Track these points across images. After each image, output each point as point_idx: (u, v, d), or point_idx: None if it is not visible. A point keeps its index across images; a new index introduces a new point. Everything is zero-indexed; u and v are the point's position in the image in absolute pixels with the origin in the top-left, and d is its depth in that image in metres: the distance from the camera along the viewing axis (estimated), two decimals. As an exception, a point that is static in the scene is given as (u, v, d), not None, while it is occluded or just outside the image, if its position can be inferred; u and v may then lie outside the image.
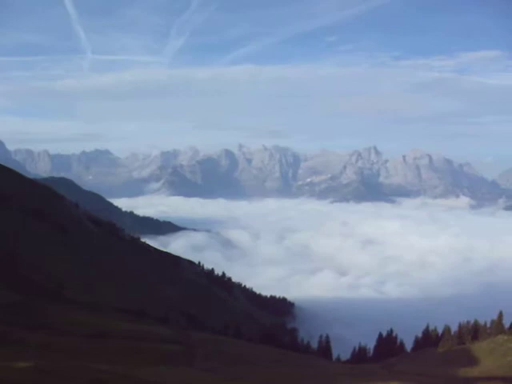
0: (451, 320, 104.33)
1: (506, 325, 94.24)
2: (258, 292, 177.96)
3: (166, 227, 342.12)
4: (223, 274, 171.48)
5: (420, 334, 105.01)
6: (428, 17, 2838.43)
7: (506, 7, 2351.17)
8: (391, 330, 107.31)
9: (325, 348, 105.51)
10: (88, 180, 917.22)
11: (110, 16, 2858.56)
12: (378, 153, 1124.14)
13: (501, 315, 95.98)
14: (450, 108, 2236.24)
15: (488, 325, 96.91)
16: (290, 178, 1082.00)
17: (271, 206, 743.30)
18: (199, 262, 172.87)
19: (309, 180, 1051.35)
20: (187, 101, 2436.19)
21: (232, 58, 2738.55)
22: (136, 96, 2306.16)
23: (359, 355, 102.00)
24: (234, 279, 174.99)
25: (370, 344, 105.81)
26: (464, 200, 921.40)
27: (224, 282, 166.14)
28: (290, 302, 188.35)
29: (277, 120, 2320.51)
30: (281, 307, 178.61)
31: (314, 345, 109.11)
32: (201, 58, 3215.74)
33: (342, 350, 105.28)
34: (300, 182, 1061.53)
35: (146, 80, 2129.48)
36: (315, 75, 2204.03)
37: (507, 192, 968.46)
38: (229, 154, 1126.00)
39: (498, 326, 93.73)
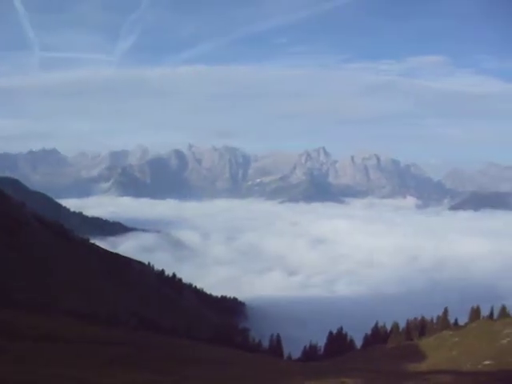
0: (399, 317, 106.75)
1: (451, 320, 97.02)
2: (208, 292, 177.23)
3: (115, 228, 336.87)
4: (173, 274, 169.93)
5: (369, 332, 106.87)
6: (377, 21, 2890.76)
7: (451, 14, 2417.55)
8: (341, 328, 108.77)
9: (276, 347, 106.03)
10: (35, 180, 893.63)
11: (59, 12, 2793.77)
12: (326, 153, 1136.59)
13: (446, 311, 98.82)
14: (397, 110, 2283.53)
15: (434, 321, 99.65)
16: (239, 178, 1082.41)
17: (221, 206, 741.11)
18: (149, 263, 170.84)
19: (258, 180, 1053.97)
20: (137, 100, 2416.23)
21: (182, 57, 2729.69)
22: (85, 94, 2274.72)
23: (310, 353, 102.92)
24: (185, 280, 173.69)
25: (321, 342, 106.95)
26: (411, 200, 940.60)
27: (174, 283, 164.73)
28: (240, 302, 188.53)
29: (227, 120, 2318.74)
30: (232, 307, 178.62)
31: (266, 344, 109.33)
32: (151, 58, 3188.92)
33: (293, 349, 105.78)
34: (250, 183, 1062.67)
35: (96, 78, 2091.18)
36: (265, 76, 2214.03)
37: (452, 192, 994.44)
38: (178, 154, 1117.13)
39: (443, 322, 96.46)
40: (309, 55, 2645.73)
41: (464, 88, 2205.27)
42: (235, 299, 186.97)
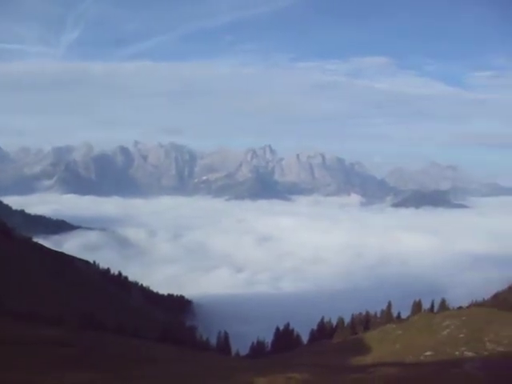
0: (344, 312, 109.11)
1: (395, 314, 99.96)
2: (155, 290, 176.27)
3: (59, 226, 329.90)
4: (119, 273, 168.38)
5: (315, 327, 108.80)
6: (323, 21, 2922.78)
7: (395, 17, 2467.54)
8: (288, 324, 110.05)
9: (224, 344, 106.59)
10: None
11: (3, 3, 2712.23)
12: (272, 151, 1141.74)
13: (389, 306, 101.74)
14: (342, 109, 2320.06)
15: (378, 315, 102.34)
16: (186, 175, 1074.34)
17: (167, 203, 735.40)
18: (94, 262, 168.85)
19: (205, 178, 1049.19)
20: (82, 95, 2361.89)
21: (129, 53, 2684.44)
22: (28, 88, 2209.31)
23: (258, 350, 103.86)
24: (131, 278, 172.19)
25: (268, 338, 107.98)
26: (355, 197, 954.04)
27: (120, 282, 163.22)
28: (187, 300, 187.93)
29: (173, 117, 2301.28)
30: (179, 305, 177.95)
31: (213, 341, 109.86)
32: (97, 52, 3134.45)
33: (240, 346, 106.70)
34: (196, 180, 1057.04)
35: (39, 72, 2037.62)
36: (212, 73, 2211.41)
37: (394, 190, 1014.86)
38: (124, 150, 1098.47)
39: (387, 316, 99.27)
40: (256, 53, 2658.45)
41: (407, 89, 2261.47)
42: (182, 297, 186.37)
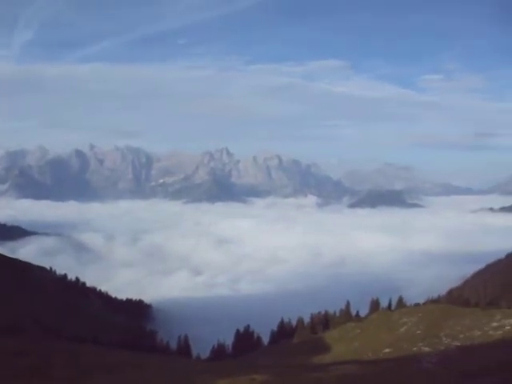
0: (304, 312, 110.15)
1: (353, 313, 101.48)
2: (114, 295, 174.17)
3: (14, 232, 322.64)
4: (77, 278, 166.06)
5: (276, 328, 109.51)
6: (278, 25, 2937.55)
7: (350, 21, 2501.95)
8: (248, 326, 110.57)
9: (184, 348, 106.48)
10: None
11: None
12: (229, 153, 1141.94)
13: (348, 305, 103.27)
14: (298, 112, 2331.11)
15: (337, 314, 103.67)
16: (142, 178, 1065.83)
17: (124, 207, 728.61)
18: (51, 268, 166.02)
19: (162, 181, 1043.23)
20: (35, 98, 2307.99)
21: (82, 55, 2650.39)
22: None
23: (218, 352, 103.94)
24: (89, 283, 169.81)
25: (229, 341, 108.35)
26: (312, 199, 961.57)
27: (78, 287, 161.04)
28: (147, 304, 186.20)
29: (129, 120, 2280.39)
30: (138, 310, 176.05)
31: (174, 345, 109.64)
32: (50, 54, 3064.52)
33: (201, 349, 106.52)
34: (153, 183, 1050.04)
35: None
36: (168, 76, 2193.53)
37: (350, 191, 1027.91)
38: (80, 154, 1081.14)
39: (346, 315, 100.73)
40: (211, 56, 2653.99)
41: (361, 92, 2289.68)
42: (141, 301, 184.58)
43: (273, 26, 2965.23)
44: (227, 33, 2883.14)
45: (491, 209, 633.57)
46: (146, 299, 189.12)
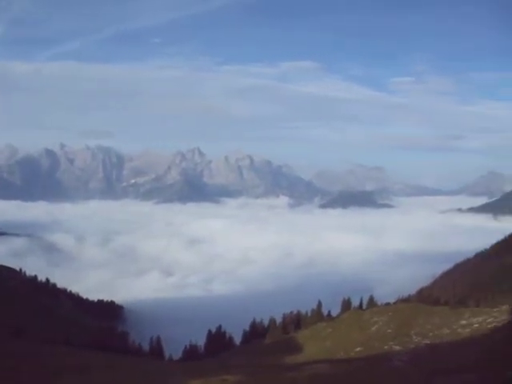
0: (276, 312, 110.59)
1: (325, 313, 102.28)
2: (85, 297, 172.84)
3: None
4: (47, 280, 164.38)
5: (248, 328, 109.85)
6: (249, 26, 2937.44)
7: (320, 23, 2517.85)
8: (220, 327, 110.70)
9: (156, 349, 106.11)
10: None
11: None
12: (201, 154, 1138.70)
13: (320, 304, 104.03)
14: (269, 112, 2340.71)
15: (309, 314, 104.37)
16: (113, 178, 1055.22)
17: (95, 207, 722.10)
18: (21, 269, 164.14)
19: (133, 181, 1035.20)
20: (4, 96, 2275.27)
21: (53, 53, 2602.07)
22: None
23: (191, 353, 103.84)
24: (60, 285, 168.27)
25: (201, 341, 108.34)
26: (283, 199, 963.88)
27: (49, 289, 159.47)
28: (118, 305, 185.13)
29: (100, 120, 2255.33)
30: (109, 311, 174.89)
31: (146, 347, 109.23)
32: (20, 52, 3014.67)
33: (173, 350, 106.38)
34: (124, 183, 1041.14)
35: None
36: (139, 76, 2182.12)
37: (321, 191, 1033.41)
38: (50, 153, 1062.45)
39: (317, 315, 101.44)
40: (182, 56, 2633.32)
41: (332, 93, 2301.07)
42: (113, 303, 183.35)
43: (245, 26, 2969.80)
44: (200, 33, 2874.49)
45: (460, 209, 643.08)
46: (118, 300, 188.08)
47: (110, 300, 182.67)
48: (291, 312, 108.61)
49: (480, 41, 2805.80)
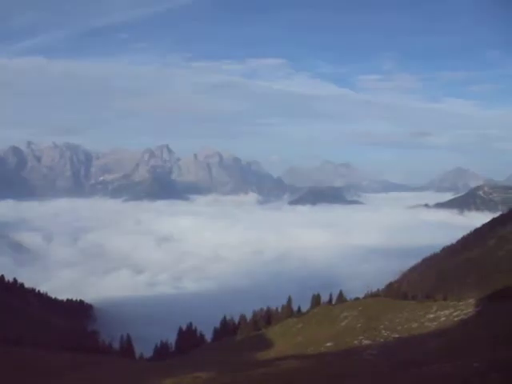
0: (246, 308, 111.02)
1: (295, 308, 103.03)
2: (53, 296, 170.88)
3: None
4: (14, 279, 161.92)
5: (218, 325, 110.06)
6: (218, 22, 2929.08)
7: (290, 20, 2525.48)
8: (191, 324, 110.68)
9: (127, 348, 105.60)
10: None
11: None
12: (170, 151, 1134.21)
13: (290, 300, 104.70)
14: (239, 109, 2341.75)
15: (279, 310, 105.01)
16: (82, 176, 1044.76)
17: (63, 206, 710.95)
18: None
19: (101, 178, 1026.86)
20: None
21: (20, 48, 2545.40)
22: None
23: (162, 351, 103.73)
24: (27, 284, 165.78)
25: (172, 339, 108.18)
26: (252, 196, 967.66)
27: (16, 289, 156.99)
28: (88, 304, 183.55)
29: (67, 116, 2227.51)
30: (79, 310, 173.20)
31: (116, 346, 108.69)
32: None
33: (144, 348, 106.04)
34: (93, 181, 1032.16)
35: None
36: (108, 72, 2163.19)
37: (291, 188, 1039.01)
38: (16, 151, 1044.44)
39: (287, 310, 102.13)
40: (151, 52, 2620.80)
41: (301, 90, 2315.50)
42: (82, 302, 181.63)
43: (214, 23, 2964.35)
44: (169, 29, 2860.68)
45: (426, 205, 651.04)
46: (87, 299, 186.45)
47: (79, 299, 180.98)
48: (262, 308, 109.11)
49: (446, 40, 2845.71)
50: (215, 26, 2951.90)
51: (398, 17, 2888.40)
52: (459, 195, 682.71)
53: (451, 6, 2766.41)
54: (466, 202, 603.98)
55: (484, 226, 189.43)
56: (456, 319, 57.58)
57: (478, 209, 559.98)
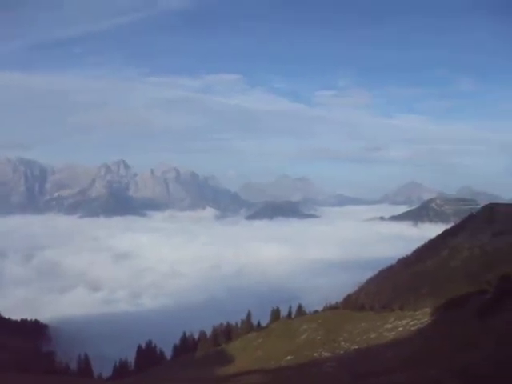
0: (206, 324, 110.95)
1: (255, 323, 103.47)
2: (7, 316, 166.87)
3: None
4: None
5: (178, 342, 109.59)
6: (173, 38, 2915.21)
7: (244, 36, 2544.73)
8: (150, 341, 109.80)
9: (84, 368, 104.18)
10: None
11: None
12: (127, 166, 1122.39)
13: (249, 315, 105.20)
14: (195, 124, 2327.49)
15: (239, 325, 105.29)
16: (36, 192, 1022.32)
17: (17, 222, 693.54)
18: None
19: (56, 194, 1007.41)
20: None
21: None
22: None
23: (121, 370, 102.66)
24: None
25: (131, 357, 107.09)
26: (210, 211, 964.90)
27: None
28: (43, 324, 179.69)
29: (21, 131, 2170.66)
30: (34, 330, 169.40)
31: (74, 366, 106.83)
32: None
33: (103, 368, 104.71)
34: (47, 197, 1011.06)
35: None
36: (63, 86, 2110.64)
37: (247, 203, 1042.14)
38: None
39: (247, 325, 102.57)
40: (108, 66, 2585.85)
41: (257, 105, 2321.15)
42: (37, 321, 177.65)
43: (169, 38, 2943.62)
44: (123, 44, 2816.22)
45: (382, 218, 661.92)
46: (42, 319, 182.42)
47: (33, 319, 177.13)
48: (221, 324, 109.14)
49: (398, 57, 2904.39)
50: (171, 41, 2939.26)
51: (354, 33, 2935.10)
52: (413, 208, 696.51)
53: (404, 25, 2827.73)
54: (419, 214, 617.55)
55: (437, 237, 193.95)
56: (413, 328, 58.97)
57: (431, 221, 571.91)
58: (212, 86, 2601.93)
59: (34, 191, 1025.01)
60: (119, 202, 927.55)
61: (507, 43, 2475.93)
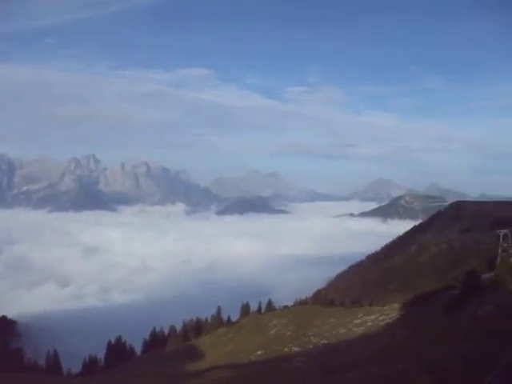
0: (176, 319, 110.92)
1: (225, 318, 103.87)
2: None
3: None
4: None
5: (148, 337, 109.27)
6: (147, 31, 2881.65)
7: (217, 31, 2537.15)
8: (120, 337, 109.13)
9: (53, 364, 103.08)
10: None
11: None
12: (97, 161, 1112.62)
13: (219, 310, 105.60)
14: (166, 119, 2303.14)
15: (209, 320, 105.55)
16: (4, 186, 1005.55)
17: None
18: None
19: (25, 188, 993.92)
20: None
21: None
22: None
23: (90, 366, 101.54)
24: None
25: (101, 353, 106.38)
26: (180, 206, 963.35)
27: None
28: (11, 320, 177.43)
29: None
30: (1, 326, 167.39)
31: (42, 362, 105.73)
32: None
33: (72, 364, 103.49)
34: (16, 191, 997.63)
35: None
36: (33, 78, 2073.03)
37: (218, 198, 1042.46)
38: None
39: (217, 320, 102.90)
40: (78, 59, 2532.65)
41: (229, 101, 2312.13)
42: (4, 317, 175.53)
43: (142, 31, 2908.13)
44: (96, 36, 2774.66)
45: (352, 214, 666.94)
46: (10, 315, 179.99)
47: (1, 315, 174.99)
48: (191, 319, 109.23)
49: (369, 54, 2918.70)
50: (143, 34, 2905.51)
51: (325, 30, 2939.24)
52: (382, 204, 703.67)
53: (376, 23, 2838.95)
54: (388, 210, 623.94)
55: (405, 233, 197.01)
56: (382, 323, 60.04)
57: (400, 217, 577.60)
58: (185, 81, 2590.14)
59: (1, 185, 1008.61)
60: (89, 197, 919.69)
61: (477, 41, 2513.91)
